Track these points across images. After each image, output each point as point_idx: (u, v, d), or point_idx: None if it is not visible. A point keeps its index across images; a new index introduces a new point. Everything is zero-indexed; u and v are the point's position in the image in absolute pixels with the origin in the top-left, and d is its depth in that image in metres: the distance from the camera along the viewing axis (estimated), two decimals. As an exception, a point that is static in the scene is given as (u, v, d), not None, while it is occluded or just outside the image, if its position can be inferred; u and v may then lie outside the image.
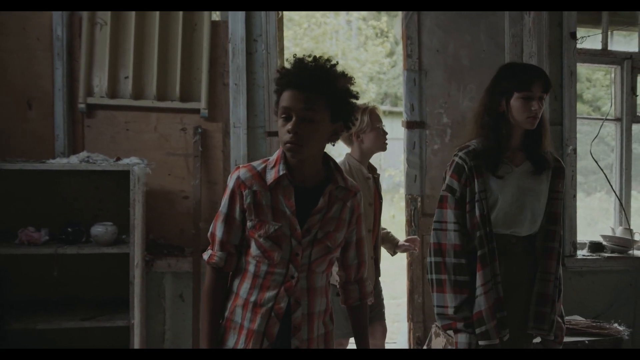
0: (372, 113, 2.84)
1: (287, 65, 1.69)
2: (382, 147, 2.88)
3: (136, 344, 2.82)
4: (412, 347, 3.59)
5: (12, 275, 3.03)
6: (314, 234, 1.70)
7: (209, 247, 1.78)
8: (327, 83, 1.62)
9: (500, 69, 2.25)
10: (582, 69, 4.51)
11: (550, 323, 2.15)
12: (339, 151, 4.87)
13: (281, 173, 1.66)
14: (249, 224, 1.68)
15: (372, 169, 2.94)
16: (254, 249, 1.69)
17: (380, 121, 2.86)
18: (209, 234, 1.77)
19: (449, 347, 2.73)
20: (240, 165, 1.75)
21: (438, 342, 2.93)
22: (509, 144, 2.18)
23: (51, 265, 2.97)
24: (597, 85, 8.24)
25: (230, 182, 1.72)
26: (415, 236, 3.28)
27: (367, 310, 1.93)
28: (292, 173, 1.68)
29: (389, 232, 3.13)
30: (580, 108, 5.57)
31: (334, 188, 1.73)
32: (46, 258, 2.88)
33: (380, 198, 2.96)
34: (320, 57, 1.68)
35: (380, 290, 2.98)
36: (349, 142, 2.88)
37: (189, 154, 3.26)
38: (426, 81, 3.53)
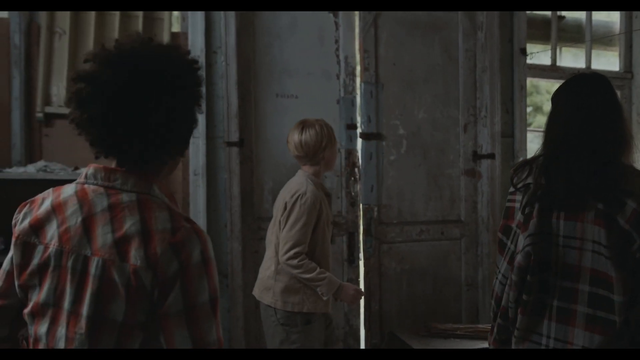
0: (328, 126, 2.70)
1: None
2: (334, 164, 2.77)
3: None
4: (369, 353, 3.65)
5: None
6: None
7: None
8: None
9: None
10: (542, 82, 4.71)
11: None
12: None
13: None
14: None
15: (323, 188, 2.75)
16: None
17: None
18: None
19: None
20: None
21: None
22: None
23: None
24: (554, 97, 8.54)
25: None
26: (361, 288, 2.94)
27: None
28: None
29: None
30: (540, 120, 5.75)
31: None
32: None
33: None
34: None
35: None
36: (314, 161, 2.66)
37: (148, 163, 3.28)
38: (382, 93, 3.61)
